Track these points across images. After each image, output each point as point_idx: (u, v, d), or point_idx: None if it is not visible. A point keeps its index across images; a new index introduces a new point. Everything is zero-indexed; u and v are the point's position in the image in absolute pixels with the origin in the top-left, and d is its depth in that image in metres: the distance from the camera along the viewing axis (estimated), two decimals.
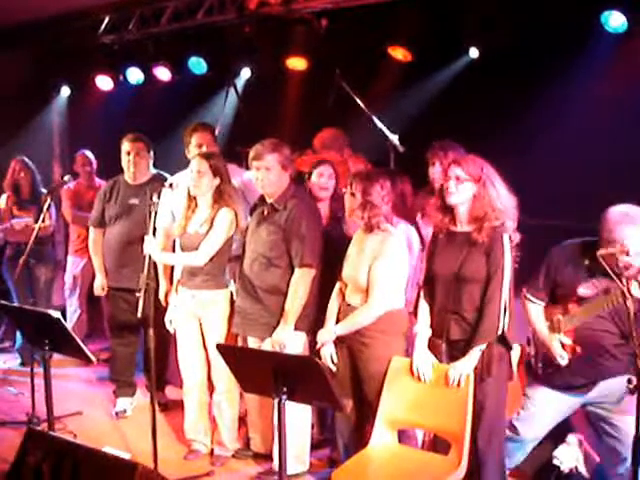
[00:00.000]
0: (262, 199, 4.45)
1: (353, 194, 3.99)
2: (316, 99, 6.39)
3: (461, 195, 3.65)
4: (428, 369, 3.76)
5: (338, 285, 4.14)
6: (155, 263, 4.74)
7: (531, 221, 5.71)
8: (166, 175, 5.50)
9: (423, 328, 3.84)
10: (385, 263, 3.91)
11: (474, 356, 3.63)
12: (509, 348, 3.74)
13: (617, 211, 3.53)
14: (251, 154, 4.32)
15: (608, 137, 5.63)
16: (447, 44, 6.02)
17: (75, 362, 5.72)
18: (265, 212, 4.37)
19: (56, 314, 3.95)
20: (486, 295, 3.62)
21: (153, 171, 5.58)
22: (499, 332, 3.62)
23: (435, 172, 4.74)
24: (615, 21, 5.33)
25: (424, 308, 3.87)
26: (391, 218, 4.04)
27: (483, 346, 3.62)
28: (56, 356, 5.31)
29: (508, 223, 3.67)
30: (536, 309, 3.86)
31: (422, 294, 3.90)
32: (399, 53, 6.26)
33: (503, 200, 3.66)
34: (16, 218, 6.28)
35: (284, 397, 3.27)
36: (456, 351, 3.72)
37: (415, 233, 4.47)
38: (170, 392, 5.64)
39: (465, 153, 4.58)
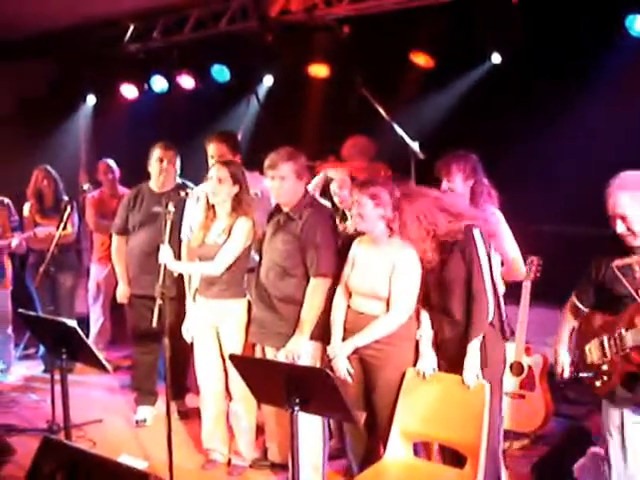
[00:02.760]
0: (278, 208, 4.43)
1: (381, 201, 3.85)
2: (338, 106, 6.37)
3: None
4: (429, 367, 3.81)
5: (340, 294, 4.08)
6: (179, 273, 4.76)
7: (557, 228, 5.69)
8: (190, 184, 5.51)
9: (426, 331, 3.89)
10: (408, 273, 3.85)
11: (474, 349, 3.69)
12: (504, 338, 3.87)
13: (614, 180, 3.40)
14: (266, 163, 4.29)
15: (634, 141, 5.54)
16: (469, 50, 5.99)
17: (97, 369, 5.75)
18: (281, 221, 4.34)
19: (72, 323, 3.96)
20: (472, 292, 3.71)
21: (178, 180, 5.59)
22: (489, 320, 3.72)
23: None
24: None
25: (424, 312, 3.91)
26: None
27: (479, 339, 3.69)
28: (79, 363, 5.38)
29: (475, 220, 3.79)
30: (572, 319, 3.69)
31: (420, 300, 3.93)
32: (421, 59, 6.24)
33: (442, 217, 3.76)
34: (39, 226, 6.32)
35: (297, 408, 3.24)
36: (446, 351, 3.81)
37: None
38: (190, 400, 5.63)
39: (470, 162, 4.51)
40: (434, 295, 3.84)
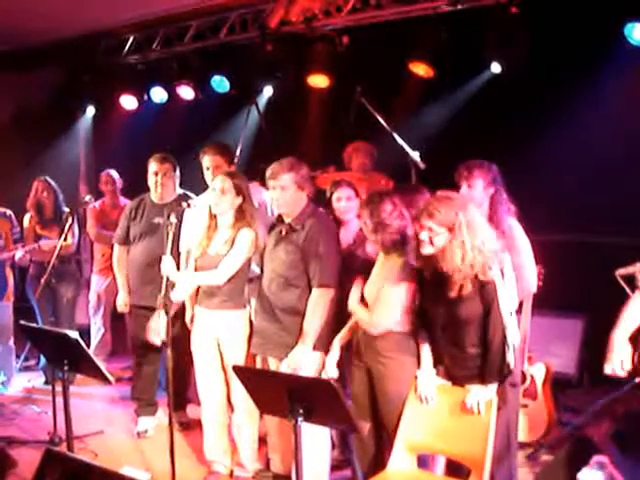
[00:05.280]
0: (280, 219, 4.43)
1: (364, 222, 3.95)
2: (338, 116, 6.38)
3: (434, 246, 3.57)
4: (431, 392, 3.73)
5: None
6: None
7: (558, 237, 5.70)
8: (192, 195, 5.50)
9: (426, 354, 3.82)
10: (393, 286, 3.86)
11: (492, 388, 3.59)
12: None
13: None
14: (267, 173, 4.32)
15: (635, 149, 5.57)
16: (469, 59, 5.99)
17: (99, 380, 5.73)
18: (283, 232, 4.34)
19: (74, 334, 3.95)
20: (487, 333, 3.56)
21: (179, 191, 5.59)
22: (506, 370, 3.59)
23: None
24: (639, 33, 5.25)
25: (424, 336, 3.83)
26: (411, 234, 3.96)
27: (495, 385, 3.60)
28: (80, 375, 5.37)
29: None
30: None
31: (418, 328, 3.85)
32: (421, 69, 6.24)
33: (486, 244, 3.54)
34: (43, 238, 6.33)
35: (300, 419, 3.24)
36: (460, 384, 3.70)
37: None
38: (192, 411, 5.60)
39: (492, 171, 4.52)
40: (438, 330, 3.73)
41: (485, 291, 3.54)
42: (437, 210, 3.53)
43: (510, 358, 3.60)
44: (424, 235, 3.56)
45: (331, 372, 4.05)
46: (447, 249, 3.53)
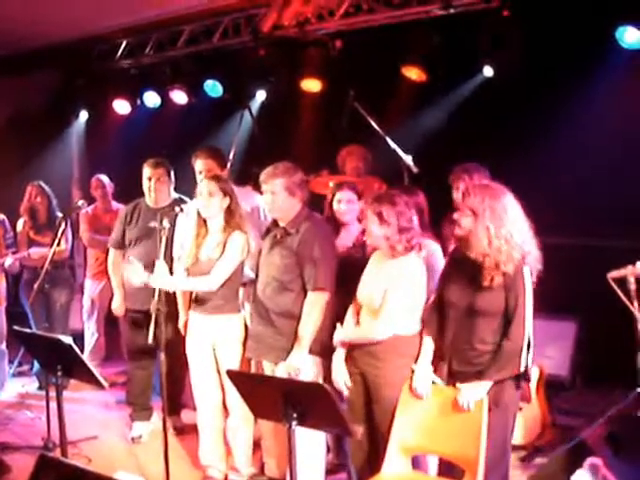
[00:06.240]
0: (275, 223, 4.43)
1: (386, 222, 3.85)
2: (331, 120, 6.40)
3: (461, 228, 3.61)
4: (426, 387, 3.72)
5: (352, 307, 4.09)
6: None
7: (552, 239, 5.71)
8: (187, 200, 5.51)
9: (427, 348, 3.82)
10: (400, 289, 3.85)
11: (485, 385, 3.57)
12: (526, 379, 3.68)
13: None
14: (261, 177, 4.33)
15: (628, 152, 5.59)
16: (461, 63, 6.01)
17: (92, 385, 5.72)
18: (278, 236, 4.34)
19: (67, 340, 3.94)
20: (508, 331, 3.54)
21: (174, 195, 5.59)
22: (519, 369, 3.56)
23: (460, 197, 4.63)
24: (630, 37, 5.29)
25: (432, 328, 3.82)
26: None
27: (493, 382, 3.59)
28: (73, 380, 5.36)
29: (528, 255, 3.56)
30: None
31: (429, 317, 3.84)
32: (413, 73, 6.26)
33: (516, 233, 3.53)
34: (34, 245, 6.33)
35: (294, 423, 3.24)
36: (458, 381, 3.67)
37: (440, 251, 4.41)
38: (186, 416, 5.60)
39: (486, 174, 4.54)
40: (454, 321, 3.70)
41: (511, 286, 3.54)
42: (469, 193, 3.62)
43: (529, 360, 3.59)
44: (456, 215, 3.64)
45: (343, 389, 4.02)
46: (473, 234, 3.55)
